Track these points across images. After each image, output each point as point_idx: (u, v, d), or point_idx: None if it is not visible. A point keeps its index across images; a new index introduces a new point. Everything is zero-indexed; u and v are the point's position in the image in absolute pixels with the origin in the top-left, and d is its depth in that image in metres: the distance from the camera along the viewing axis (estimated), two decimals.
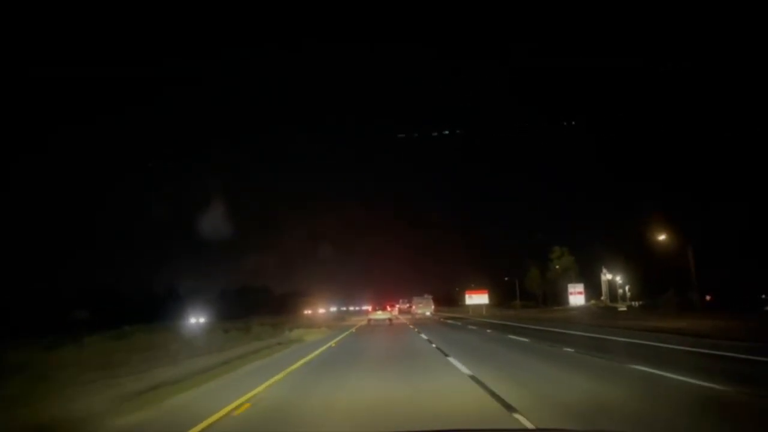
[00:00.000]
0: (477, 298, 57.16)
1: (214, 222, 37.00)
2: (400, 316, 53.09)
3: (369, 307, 43.42)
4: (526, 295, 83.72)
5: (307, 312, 58.69)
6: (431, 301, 60.28)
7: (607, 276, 71.56)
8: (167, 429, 7.11)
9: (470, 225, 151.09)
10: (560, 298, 77.52)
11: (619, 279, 71.59)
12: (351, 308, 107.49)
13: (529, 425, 6.25)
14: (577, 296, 72.49)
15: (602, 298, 73.18)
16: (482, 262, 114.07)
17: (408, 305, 68.59)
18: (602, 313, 50.07)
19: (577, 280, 75.61)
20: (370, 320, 39.24)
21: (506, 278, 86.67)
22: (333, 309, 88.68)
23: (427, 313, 55.05)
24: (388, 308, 43.41)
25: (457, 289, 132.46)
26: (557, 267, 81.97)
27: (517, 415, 6.79)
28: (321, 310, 71.75)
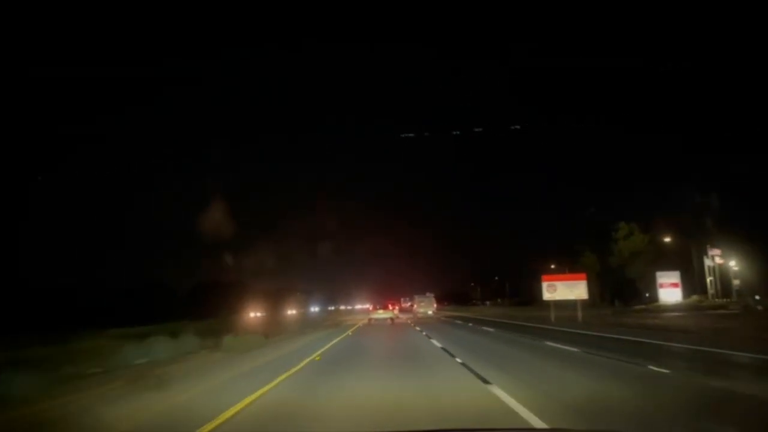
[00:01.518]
0: (565, 290, 27.84)
1: (208, 220, 31.58)
2: (401, 315, 47.74)
3: (370, 306, 42.00)
4: None
5: (253, 315, 33.84)
6: (433, 300, 56.01)
7: (716, 260, 45.76)
8: None
9: (476, 221, 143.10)
10: (628, 291, 55.04)
11: (733, 264, 45.81)
12: (343, 307, 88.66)
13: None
14: (669, 290, 48.21)
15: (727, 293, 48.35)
16: (501, 254, 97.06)
17: (410, 304, 64.85)
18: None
19: (659, 267, 50.79)
20: (370, 319, 36.01)
21: (553, 266, 61.71)
22: (314, 309, 65.40)
23: (429, 312, 51.44)
24: (390, 307, 38.84)
25: (472, 283, 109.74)
26: (624, 250, 56.89)
27: None
28: (291, 311, 48.22)
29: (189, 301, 56.04)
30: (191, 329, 18.42)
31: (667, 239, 45.85)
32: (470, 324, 28.58)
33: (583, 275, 29.20)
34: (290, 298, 55.64)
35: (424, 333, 20.54)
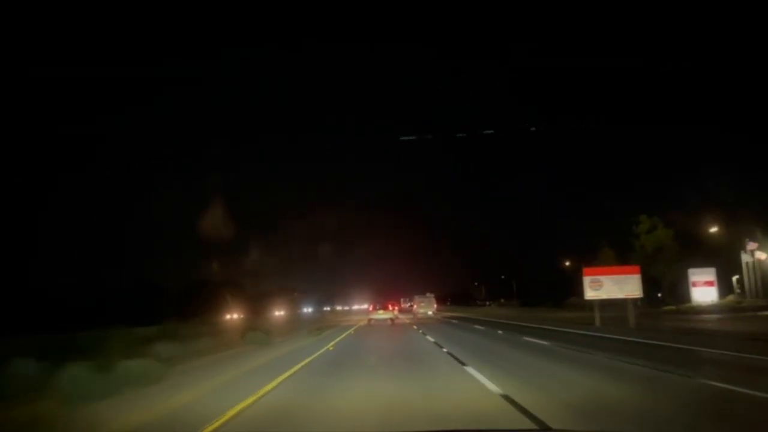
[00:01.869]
0: (613, 286, 21.52)
1: (207, 220, 31.61)
2: (401, 316, 45.54)
3: (369, 307, 39.29)
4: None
5: (231, 317, 27.44)
6: (433, 300, 54.47)
7: (758, 255, 39.50)
8: None
9: (478, 220, 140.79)
10: (652, 290, 49.00)
11: None
12: (340, 308, 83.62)
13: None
14: (704, 289, 41.79)
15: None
16: (506, 253, 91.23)
17: (409, 304, 63.30)
18: None
19: (686, 264, 44.78)
20: (370, 320, 34.02)
21: (567, 263, 55.58)
22: (307, 310, 59.69)
23: (429, 312, 50.48)
24: (390, 307, 36.41)
25: (475, 283, 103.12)
26: (647, 245, 50.81)
27: None
28: (278, 312, 41.96)
29: (177, 302, 51.98)
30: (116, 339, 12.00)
31: (714, 229, 39.31)
32: (500, 331, 21.52)
33: (637, 268, 22.70)
34: (281, 298, 49.23)
35: (445, 350, 13.39)
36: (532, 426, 5.13)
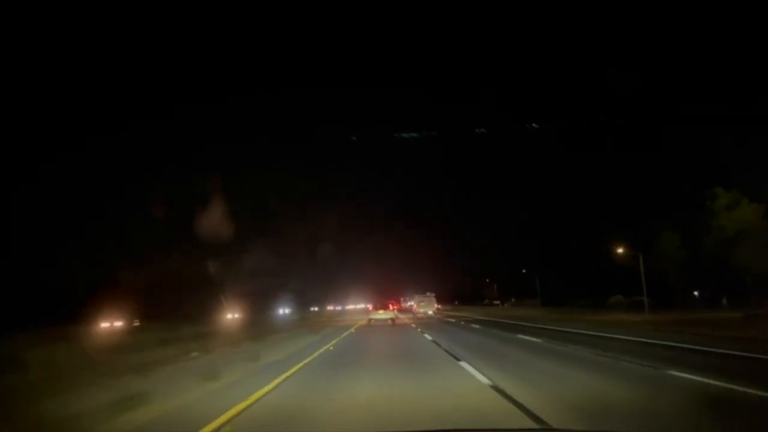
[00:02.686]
0: None
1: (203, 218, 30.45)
2: (401, 315, 43.24)
3: (370, 306, 39.43)
4: (649, 279, 38.90)
5: (110, 324, 12.37)
6: (434, 299, 53.14)
7: None
8: None
9: (484, 213, 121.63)
10: (736, 286, 37.02)
11: None
12: (332, 308, 71.79)
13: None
14: None
15: None
16: (520, 248, 78.66)
17: (410, 304, 60.99)
18: None
19: None
20: (370, 320, 34.10)
21: (620, 250, 41.92)
22: (284, 311, 49.07)
23: (429, 312, 49.09)
24: (390, 307, 36.42)
25: (486, 280, 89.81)
26: (728, 226, 38.00)
27: None
28: (231, 315, 31.35)
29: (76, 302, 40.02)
30: None
31: None
32: None
33: None
34: (240, 298, 36.00)
35: None
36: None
